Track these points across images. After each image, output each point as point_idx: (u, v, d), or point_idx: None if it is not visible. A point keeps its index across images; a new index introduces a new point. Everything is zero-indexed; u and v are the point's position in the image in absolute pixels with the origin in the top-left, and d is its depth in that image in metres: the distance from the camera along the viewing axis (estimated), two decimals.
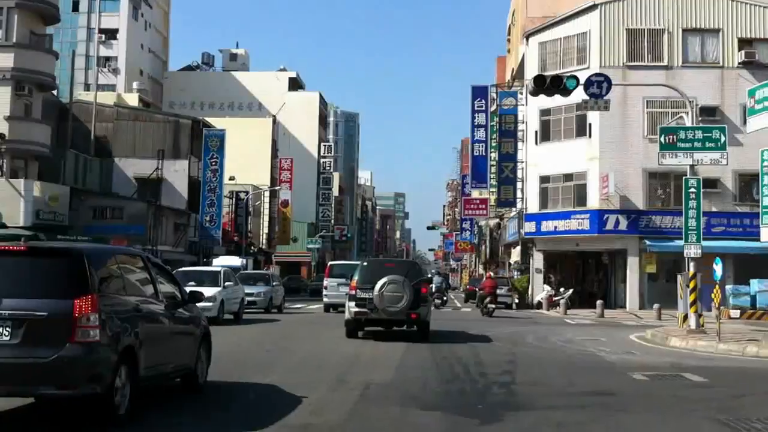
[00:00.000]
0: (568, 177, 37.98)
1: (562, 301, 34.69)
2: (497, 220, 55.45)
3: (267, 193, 67.45)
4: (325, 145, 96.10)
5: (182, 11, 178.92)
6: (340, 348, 16.41)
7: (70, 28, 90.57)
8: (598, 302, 32.34)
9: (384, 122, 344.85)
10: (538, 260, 39.82)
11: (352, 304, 18.50)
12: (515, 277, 44.42)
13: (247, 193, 58.19)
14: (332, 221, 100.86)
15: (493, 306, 30.70)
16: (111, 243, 33.05)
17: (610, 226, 36.50)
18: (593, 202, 36.90)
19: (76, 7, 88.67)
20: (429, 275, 57.81)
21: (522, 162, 40.51)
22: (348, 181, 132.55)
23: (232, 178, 61.04)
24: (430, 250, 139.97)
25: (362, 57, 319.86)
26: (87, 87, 72.41)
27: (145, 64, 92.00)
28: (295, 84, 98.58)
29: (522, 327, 24.69)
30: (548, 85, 20.72)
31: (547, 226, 38.43)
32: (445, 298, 40.28)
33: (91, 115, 48.24)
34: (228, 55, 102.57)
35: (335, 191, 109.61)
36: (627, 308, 36.12)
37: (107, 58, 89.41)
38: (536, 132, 39.14)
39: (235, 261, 38.36)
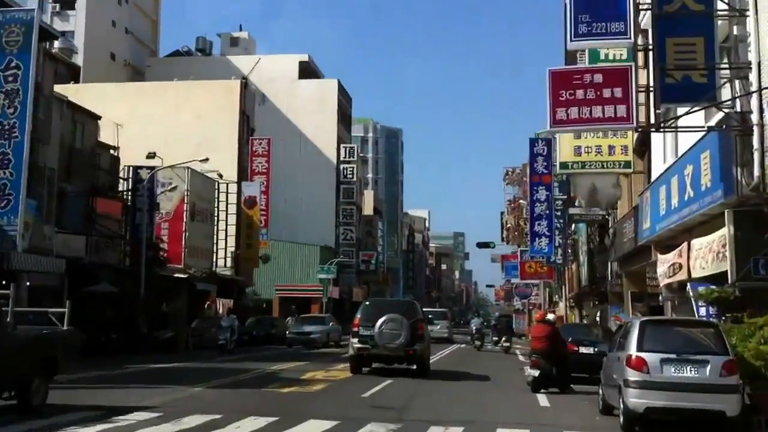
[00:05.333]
0: None
1: None
2: (606, 206, 29.16)
3: (226, 187, 44.83)
4: (345, 148, 73.96)
5: None
6: None
7: None
8: None
9: (442, 155, 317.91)
10: None
11: (355, 340, 20.23)
12: (714, 322, 16.84)
13: (151, 169, 35.73)
14: (360, 246, 78.37)
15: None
16: None
17: None
18: None
19: None
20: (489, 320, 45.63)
21: None
22: (390, 206, 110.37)
23: (151, 156, 39.08)
24: (488, 286, 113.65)
25: (413, 69, 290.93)
26: None
27: (120, 47, 71.30)
28: (307, 70, 76.96)
29: None
30: None
31: None
32: (501, 340, 36.44)
33: None
34: (228, 40, 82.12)
35: (368, 209, 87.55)
36: None
37: (62, 34, 69.83)
38: None
39: None
